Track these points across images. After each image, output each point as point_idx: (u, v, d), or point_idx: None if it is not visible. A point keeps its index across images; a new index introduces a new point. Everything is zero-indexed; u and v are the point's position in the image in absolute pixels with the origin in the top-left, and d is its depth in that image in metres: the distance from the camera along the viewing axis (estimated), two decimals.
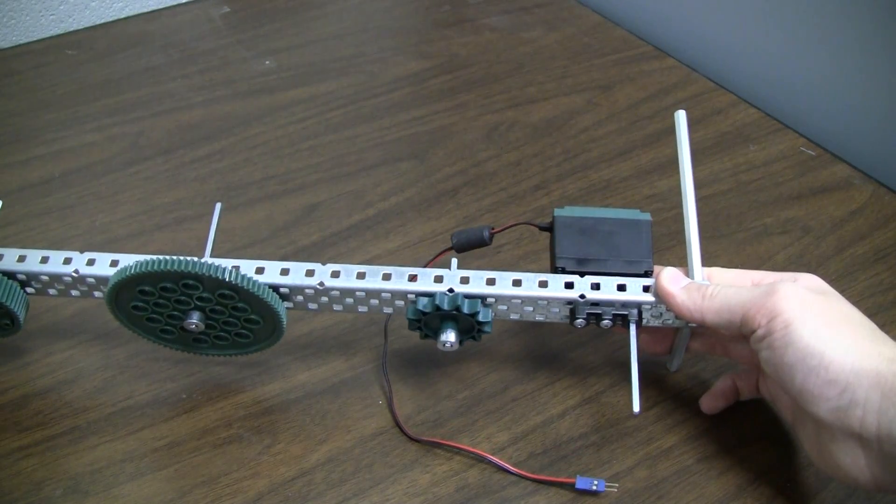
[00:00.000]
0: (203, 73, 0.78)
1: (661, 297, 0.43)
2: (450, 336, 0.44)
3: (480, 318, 0.44)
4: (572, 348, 0.53)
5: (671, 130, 0.72)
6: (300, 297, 0.46)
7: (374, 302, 0.46)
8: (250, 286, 0.43)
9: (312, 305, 0.47)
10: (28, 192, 0.64)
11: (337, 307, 0.47)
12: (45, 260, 0.46)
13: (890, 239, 0.61)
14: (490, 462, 0.46)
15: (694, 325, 0.45)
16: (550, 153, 0.69)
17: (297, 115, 0.73)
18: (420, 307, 0.44)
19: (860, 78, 0.70)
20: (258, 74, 0.78)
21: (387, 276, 0.45)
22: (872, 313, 0.41)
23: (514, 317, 0.46)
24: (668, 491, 0.45)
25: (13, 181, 0.65)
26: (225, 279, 0.42)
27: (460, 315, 0.44)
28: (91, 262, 0.45)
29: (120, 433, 0.47)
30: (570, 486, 0.44)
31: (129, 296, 0.44)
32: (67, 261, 0.46)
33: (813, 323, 0.39)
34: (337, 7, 0.89)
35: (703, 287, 0.42)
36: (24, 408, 0.48)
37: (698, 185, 0.66)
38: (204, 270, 0.42)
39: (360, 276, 0.45)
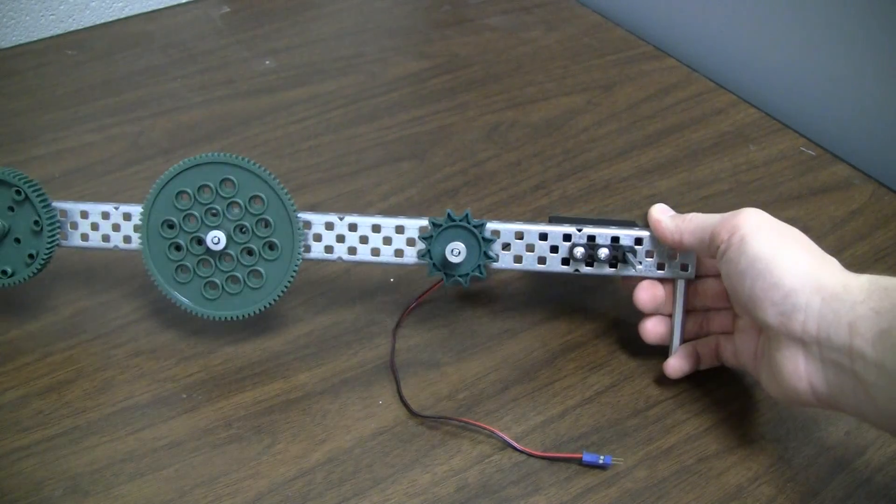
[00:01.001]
0: (203, 73, 0.78)
1: (651, 225, 0.49)
2: (458, 245, 0.48)
3: (486, 234, 0.49)
4: (572, 349, 0.53)
5: (671, 130, 0.72)
6: (318, 244, 0.50)
7: (388, 250, 0.50)
8: (283, 192, 0.48)
9: (329, 255, 0.50)
10: None
11: (351, 257, 0.50)
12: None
13: (890, 239, 0.61)
14: (497, 437, 0.46)
15: (685, 272, 0.49)
16: (550, 153, 0.69)
17: (297, 115, 0.73)
18: (433, 221, 0.48)
19: (860, 78, 0.70)
20: (258, 74, 0.78)
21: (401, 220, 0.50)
22: None
23: (516, 266, 0.49)
24: (668, 491, 0.45)
25: None
26: (262, 174, 0.48)
27: (468, 230, 0.48)
28: (130, 206, 0.50)
29: (120, 433, 0.47)
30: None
31: (164, 208, 0.49)
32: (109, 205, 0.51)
33: (766, 237, 0.43)
34: (337, 7, 0.89)
35: (685, 215, 0.48)
36: (24, 408, 0.48)
37: (699, 185, 0.66)
38: (246, 164, 0.48)
39: (377, 218, 0.50)
